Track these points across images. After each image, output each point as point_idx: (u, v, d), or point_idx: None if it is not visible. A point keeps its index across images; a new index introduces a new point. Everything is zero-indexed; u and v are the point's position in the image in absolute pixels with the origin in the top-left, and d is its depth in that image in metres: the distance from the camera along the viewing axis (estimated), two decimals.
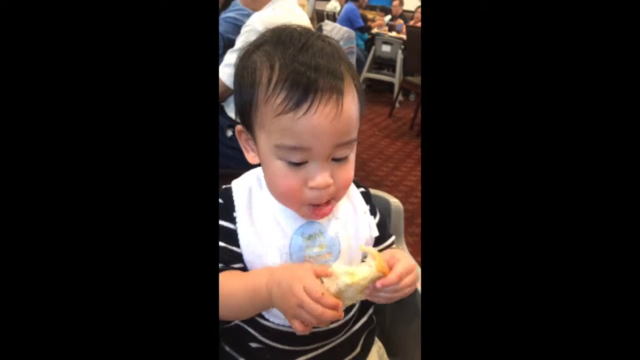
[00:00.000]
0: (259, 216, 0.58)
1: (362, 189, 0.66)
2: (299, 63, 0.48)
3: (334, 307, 0.45)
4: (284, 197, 0.54)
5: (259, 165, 0.58)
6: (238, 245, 0.57)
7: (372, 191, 0.70)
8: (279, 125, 0.48)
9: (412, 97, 4.95)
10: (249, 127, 0.54)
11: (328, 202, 0.54)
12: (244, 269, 0.57)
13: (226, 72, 1.33)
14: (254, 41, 0.54)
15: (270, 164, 0.52)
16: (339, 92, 0.49)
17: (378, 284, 0.48)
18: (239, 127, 0.56)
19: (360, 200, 0.64)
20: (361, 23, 4.89)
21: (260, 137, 0.52)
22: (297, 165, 0.50)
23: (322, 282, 0.48)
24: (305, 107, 0.47)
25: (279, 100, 0.48)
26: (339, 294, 0.47)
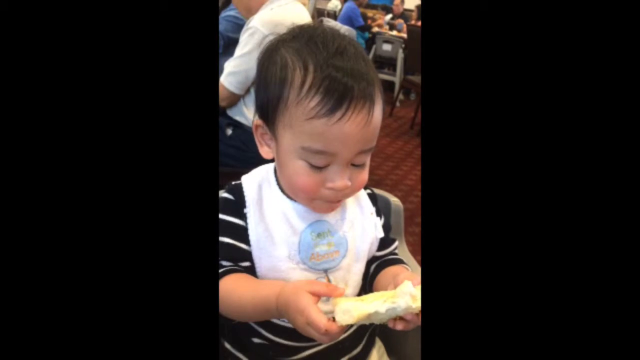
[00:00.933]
0: (270, 212, 0.58)
1: (368, 191, 0.66)
2: (334, 68, 0.48)
3: (339, 333, 0.45)
4: (300, 193, 0.55)
5: (271, 161, 0.58)
6: (247, 242, 0.57)
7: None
8: (310, 128, 0.48)
9: (412, 96, 4.94)
10: (270, 123, 0.53)
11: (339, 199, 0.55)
12: (251, 268, 0.57)
13: (229, 80, 1.33)
14: (280, 36, 0.54)
15: (291, 163, 0.52)
16: (371, 101, 0.49)
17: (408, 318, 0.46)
18: (257, 120, 0.56)
19: (367, 202, 0.65)
20: (361, 22, 4.89)
21: (284, 136, 0.52)
22: (319, 168, 0.51)
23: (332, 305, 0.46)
24: (339, 114, 0.47)
25: (312, 104, 0.48)
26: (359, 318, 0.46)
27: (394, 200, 0.78)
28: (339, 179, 0.51)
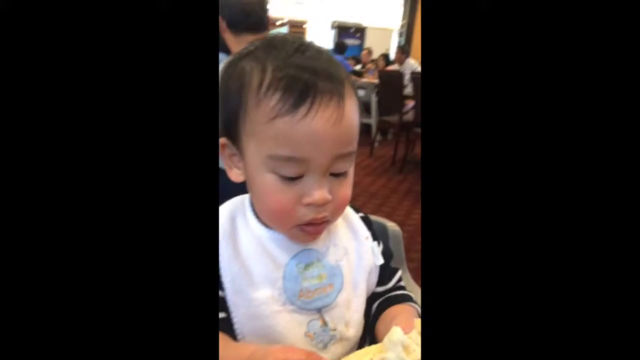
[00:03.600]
0: (246, 246, 0.49)
1: (361, 214, 0.59)
2: (294, 66, 0.43)
3: None
4: (274, 216, 0.47)
5: (243, 183, 0.50)
6: (220, 286, 0.48)
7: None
8: (273, 130, 0.42)
9: (389, 135, 5.03)
10: (234, 139, 0.47)
11: (322, 222, 0.46)
12: (226, 320, 0.47)
13: None
14: (241, 50, 0.49)
15: (260, 179, 0.45)
16: (340, 95, 0.43)
17: None
18: (222, 140, 0.49)
19: (361, 225, 0.57)
20: (350, 68, 5.10)
21: (248, 148, 0.45)
22: (292, 179, 0.43)
23: None
24: (303, 109, 0.41)
25: (272, 102, 0.42)
26: None
27: (391, 225, 0.71)
28: (316, 191, 0.43)
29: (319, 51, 0.45)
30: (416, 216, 2.64)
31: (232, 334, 0.47)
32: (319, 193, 0.43)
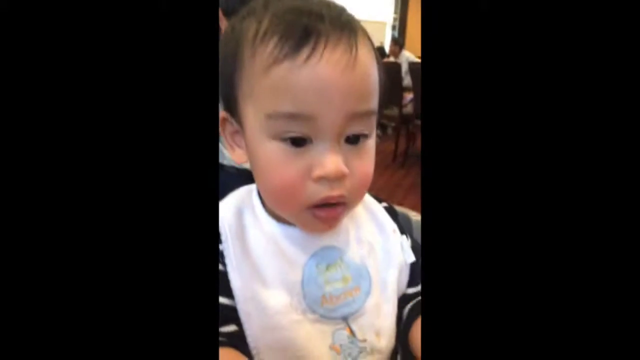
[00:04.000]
0: (256, 244, 0.42)
1: (384, 204, 0.51)
2: (294, 11, 0.35)
3: None
4: (280, 195, 0.38)
5: (246, 164, 0.42)
6: (228, 293, 0.40)
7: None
8: (270, 81, 0.34)
9: (389, 130, 4.97)
10: (233, 109, 0.39)
11: (337, 203, 0.38)
12: (238, 334, 0.39)
13: None
14: (232, 20, 0.41)
15: (262, 149, 0.36)
16: (349, 39, 0.35)
17: None
18: (222, 113, 0.41)
19: (386, 217, 0.49)
20: None
21: (247, 113, 0.37)
22: (298, 145, 0.35)
23: None
24: (305, 52, 0.33)
25: (269, 47, 0.34)
26: None
27: (414, 215, 0.63)
28: (328, 159, 0.35)
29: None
30: None
31: (245, 350, 0.39)
32: (332, 161, 0.35)
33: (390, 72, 3.85)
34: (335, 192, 0.37)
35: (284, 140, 0.35)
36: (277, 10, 0.36)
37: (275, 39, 0.34)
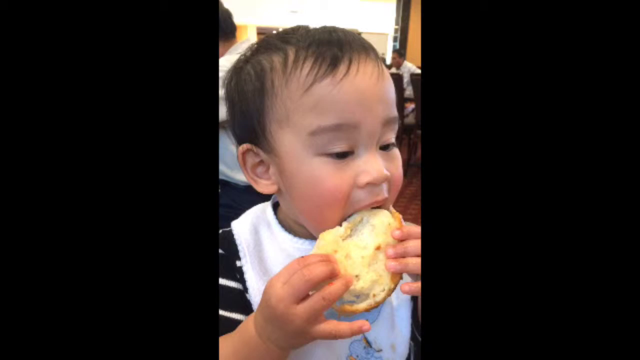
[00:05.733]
0: (273, 261, 0.44)
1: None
2: (317, 41, 0.39)
3: (318, 259, 0.34)
4: (328, 207, 0.39)
5: (270, 196, 0.45)
6: (247, 310, 0.43)
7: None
8: (312, 100, 0.37)
9: None
10: (261, 138, 0.41)
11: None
12: None
13: None
14: (239, 58, 0.44)
15: (306, 167, 0.39)
16: (375, 53, 0.40)
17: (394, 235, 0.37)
18: (244, 146, 0.43)
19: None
20: None
21: (283, 139, 0.39)
22: (343, 157, 0.38)
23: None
24: (343, 67, 0.37)
25: (305, 70, 0.38)
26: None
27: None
28: (373, 167, 0.38)
29: (334, 28, 0.42)
30: None
31: None
32: (377, 167, 0.38)
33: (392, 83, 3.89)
34: (380, 197, 0.39)
35: (329, 155, 0.38)
36: (298, 42, 0.39)
37: (309, 63, 0.38)
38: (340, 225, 0.39)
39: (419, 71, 4.85)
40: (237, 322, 0.42)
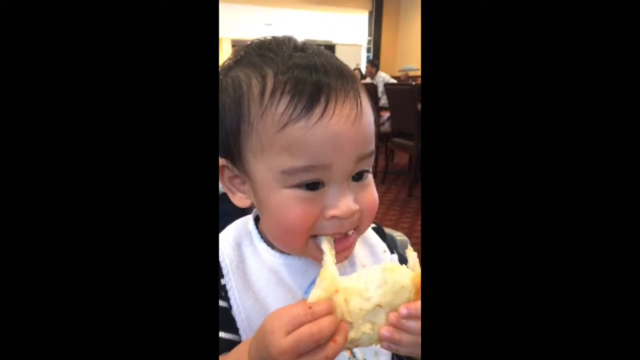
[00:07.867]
0: (257, 277, 0.44)
1: (373, 225, 0.54)
2: (298, 67, 0.38)
3: (326, 312, 0.33)
4: (289, 233, 0.40)
5: (248, 209, 0.45)
6: (232, 329, 0.42)
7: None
8: (285, 140, 0.37)
9: None
10: (235, 158, 0.41)
11: (348, 235, 0.41)
12: None
13: None
14: (228, 58, 0.44)
15: (276, 196, 0.39)
16: (355, 91, 0.39)
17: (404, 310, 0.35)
18: (221, 161, 0.43)
19: (376, 238, 0.53)
20: None
21: (257, 167, 0.39)
22: (312, 189, 0.38)
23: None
24: (319, 110, 0.36)
25: (281, 108, 0.37)
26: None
27: (398, 235, 0.67)
28: (341, 201, 0.38)
29: (319, 49, 0.42)
30: (405, 225, 2.63)
31: None
32: (345, 203, 0.38)
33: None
34: (343, 229, 0.40)
35: (299, 186, 0.38)
36: (278, 65, 0.38)
37: (286, 99, 0.37)
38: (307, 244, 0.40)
39: (392, 81, 4.96)
40: (222, 340, 0.41)
